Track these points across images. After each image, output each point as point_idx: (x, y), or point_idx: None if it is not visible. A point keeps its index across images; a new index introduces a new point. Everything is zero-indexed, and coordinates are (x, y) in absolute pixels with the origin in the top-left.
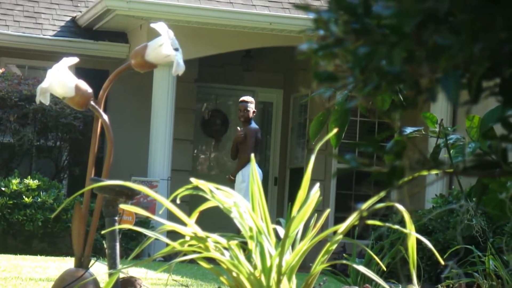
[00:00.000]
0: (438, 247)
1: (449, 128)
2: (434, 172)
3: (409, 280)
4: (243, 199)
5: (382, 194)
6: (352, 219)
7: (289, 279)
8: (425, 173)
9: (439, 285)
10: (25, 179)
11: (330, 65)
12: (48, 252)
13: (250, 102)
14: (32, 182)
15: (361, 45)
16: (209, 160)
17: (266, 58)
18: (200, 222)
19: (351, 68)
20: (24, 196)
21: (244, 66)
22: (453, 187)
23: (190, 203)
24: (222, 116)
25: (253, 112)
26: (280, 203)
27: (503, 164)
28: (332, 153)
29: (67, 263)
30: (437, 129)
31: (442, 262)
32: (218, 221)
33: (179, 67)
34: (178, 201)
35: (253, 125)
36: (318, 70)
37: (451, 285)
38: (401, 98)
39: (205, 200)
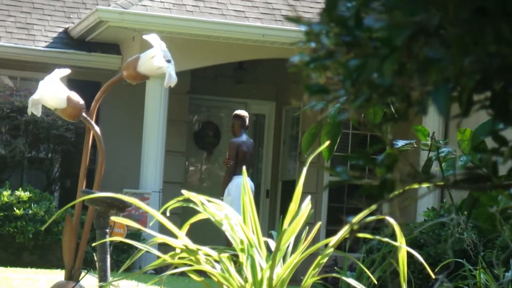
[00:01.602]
0: (429, 260)
1: (440, 141)
2: (425, 185)
3: None
4: (234, 211)
5: (373, 207)
6: (343, 232)
7: None
8: (416, 186)
9: None
10: (16, 191)
11: (321, 77)
12: (38, 265)
13: (235, 117)
14: (23, 194)
15: (352, 58)
16: (201, 172)
17: (259, 70)
18: (191, 234)
19: (342, 81)
20: (15, 208)
21: (236, 78)
22: (444, 200)
23: (182, 215)
24: (214, 128)
25: (242, 125)
26: (272, 215)
27: (493, 177)
28: (323, 166)
29: (58, 275)
30: (428, 142)
31: (433, 276)
32: (210, 233)
33: (171, 79)
34: (168, 214)
35: (236, 139)
36: (309, 83)
37: None
38: (393, 110)
39: (196, 212)
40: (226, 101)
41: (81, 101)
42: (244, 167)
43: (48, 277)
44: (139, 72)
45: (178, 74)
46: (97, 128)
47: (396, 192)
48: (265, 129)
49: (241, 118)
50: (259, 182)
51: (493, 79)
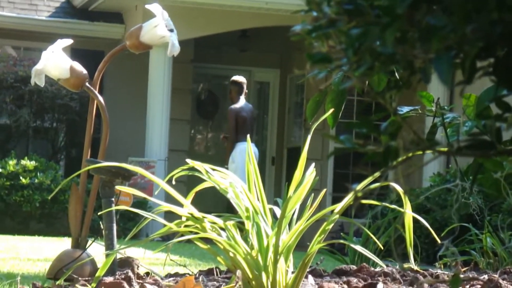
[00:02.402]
0: (435, 225)
1: (445, 107)
2: (429, 152)
3: (407, 259)
4: (239, 179)
5: (377, 174)
6: (348, 198)
7: (286, 259)
8: (419, 153)
9: (436, 264)
10: (22, 160)
11: (323, 46)
12: (45, 233)
13: (232, 83)
14: (29, 163)
15: (354, 26)
16: (206, 140)
17: (263, 38)
18: (197, 202)
19: (345, 49)
20: (21, 177)
21: (240, 46)
22: (450, 165)
23: (187, 183)
24: (213, 97)
25: (239, 92)
26: (278, 182)
27: (497, 143)
28: (327, 133)
29: (65, 243)
30: (433, 108)
31: (439, 241)
32: (216, 201)
33: (174, 48)
34: (173, 182)
35: (234, 105)
36: (312, 52)
37: (448, 263)
38: (397, 78)
39: (202, 180)
40: (230, 69)
41: (84, 71)
42: (248, 135)
43: (55, 245)
44: (142, 41)
45: (181, 42)
46: (100, 98)
47: (400, 159)
48: (269, 97)
49: (238, 84)
50: (264, 150)
51: (496, 46)
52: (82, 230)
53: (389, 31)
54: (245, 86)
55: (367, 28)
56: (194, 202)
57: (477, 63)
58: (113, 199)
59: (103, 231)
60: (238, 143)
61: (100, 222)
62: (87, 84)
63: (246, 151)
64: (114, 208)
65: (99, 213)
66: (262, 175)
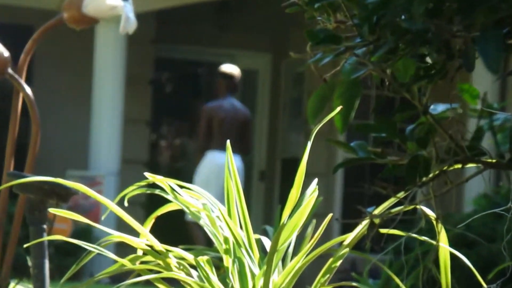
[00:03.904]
0: (480, 263)
1: (495, 105)
2: (472, 165)
3: None
4: (216, 200)
5: (401, 194)
6: (362, 226)
7: None
8: (458, 166)
9: None
10: None
11: (330, 21)
12: None
13: (219, 75)
14: None
15: None
16: (172, 148)
17: (249, 11)
18: (159, 231)
19: (358, 25)
20: None
21: (218, 22)
22: (500, 183)
23: (147, 205)
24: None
25: (227, 87)
26: (268, 204)
27: None
28: (333, 139)
29: None
30: (478, 107)
31: (485, 285)
32: (182, 230)
33: (129, 23)
34: (126, 203)
35: (211, 103)
36: (314, 29)
37: None
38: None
39: (165, 201)
40: (205, 52)
41: (6, 53)
42: (228, 141)
43: None
44: (84, 13)
45: (139, 16)
46: (28, 89)
47: (432, 174)
48: (258, 89)
49: (225, 76)
50: (250, 161)
51: None
52: (3, 268)
53: (419, 0)
54: (236, 80)
55: None
56: (155, 231)
57: None
58: (45, 226)
59: (31, 270)
60: (209, 152)
61: (27, 258)
62: (9, 70)
63: (216, 160)
64: (46, 238)
65: (25, 245)
66: (247, 195)
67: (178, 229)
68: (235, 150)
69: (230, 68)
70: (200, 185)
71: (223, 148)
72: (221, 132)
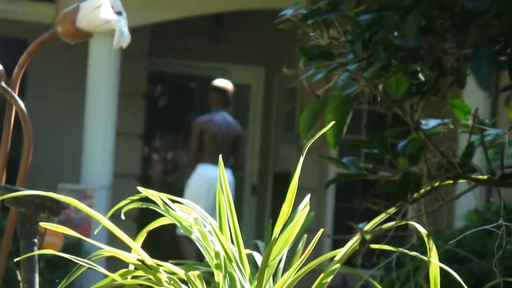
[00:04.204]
0: (472, 280)
1: (486, 121)
2: (463, 181)
3: None
4: (207, 215)
5: (391, 210)
6: (353, 242)
7: None
8: (449, 182)
9: None
10: None
11: (323, 37)
12: None
13: (211, 89)
14: None
15: (363, 11)
16: (165, 161)
17: (242, 25)
18: (151, 246)
19: (351, 42)
20: None
21: (212, 35)
22: (491, 199)
23: (139, 219)
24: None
25: (220, 101)
26: (260, 219)
27: None
28: (325, 155)
29: None
30: (470, 122)
31: None
32: (174, 244)
33: (123, 37)
34: (122, 217)
35: (202, 116)
36: (307, 45)
37: None
38: (420, 81)
39: (157, 216)
40: (198, 66)
41: None
42: (220, 156)
43: None
44: (79, 27)
45: (133, 30)
46: (21, 103)
47: (423, 190)
48: (250, 104)
49: (218, 90)
50: (242, 175)
51: None
52: None
53: (412, 17)
54: (229, 94)
55: (382, 13)
56: (146, 244)
57: None
58: (35, 240)
59: (21, 284)
60: (199, 165)
61: (17, 272)
62: (2, 83)
63: (205, 175)
64: (37, 252)
65: (16, 259)
66: (239, 209)
67: (169, 243)
68: (226, 165)
69: (222, 82)
70: (191, 199)
71: (214, 161)
72: (212, 145)
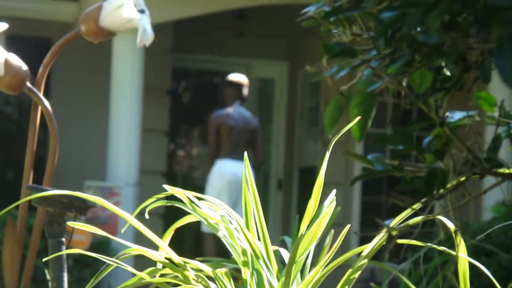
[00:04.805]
0: (500, 273)
1: None
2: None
3: None
4: (234, 212)
5: (417, 206)
6: (380, 238)
7: None
8: (476, 176)
9: None
10: None
11: (345, 34)
12: None
13: (226, 84)
14: None
15: (386, 8)
16: (190, 158)
17: (266, 19)
18: (178, 243)
19: (374, 38)
20: None
21: (235, 31)
22: None
23: (165, 216)
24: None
25: (235, 95)
26: (286, 214)
27: None
28: (351, 152)
29: None
30: (496, 114)
31: None
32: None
33: (146, 35)
34: (147, 216)
35: (218, 111)
36: (330, 42)
37: None
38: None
39: (184, 213)
40: (221, 62)
41: (24, 67)
42: (239, 150)
43: None
44: (102, 26)
45: (156, 27)
46: (46, 103)
47: (450, 186)
48: (274, 98)
49: (232, 84)
50: (268, 170)
51: None
52: (21, 281)
53: (435, 14)
54: (245, 89)
55: (405, 10)
56: (174, 243)
57: None
58: (63, 239)
59: (50, 284)
60: (218, 161)
61: (46, 271)
62: (28, 84)
63: (224, 170)
64: (65, 252)
65: (44, 259)
66: (265, 204)
67: (191, 240)
68: (230, 157)
69: (237, 77)
70: (213, 195)
71: (232, 156)
72: (230, 140)
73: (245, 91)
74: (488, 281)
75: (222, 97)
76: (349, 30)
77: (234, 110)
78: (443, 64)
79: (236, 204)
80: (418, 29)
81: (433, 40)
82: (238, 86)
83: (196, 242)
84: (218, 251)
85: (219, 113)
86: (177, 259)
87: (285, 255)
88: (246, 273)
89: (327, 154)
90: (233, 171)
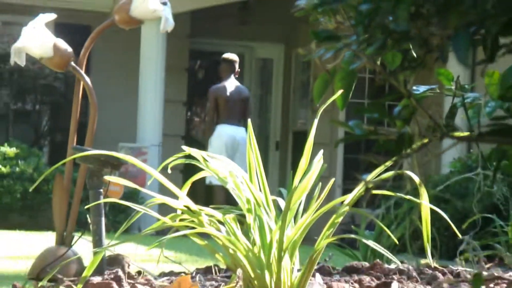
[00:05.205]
0: (456, 216)
1: (466, 86)
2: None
3: (424, 254)
4: (239, 168)
5: (389, 163)
6: (359, 189)
7: (291, 256)
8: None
9: (457, 259)
10: (1, 147)
11: (331, 22)
12: (27, 227)
13: (222, 61)
14: (10, 150)
15: (364, 1)
16: (204, 123)
17: (266, 9)
18: (196, 192)
19: (354, 26)
20: (0, 166)
21: (241, 18)
22: (471, 150)
23: (184, 171)
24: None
25: (229, 70)
26: (283, 169)
27: None
28: (335, 120)
29: (48, 239)
30: (453, 87)
31: (459, 235)
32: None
33: (168, 23)
34: (169, 171)
35: (216, 85)
36: (318, 29)
37: (470, 259)
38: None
39: (199, 169)
40: (229, 44)
41: (69, 49)
42: (249, 120)
43: (37, 241)
44: (132, 16)
45: (177, 16)
46: (87, 79)
47: (415, 147)
48: (273, 75)
49: (227, 61)
50: (268, 133)
51: None
52: (68, 225)
53: (403, 6)
54: (236, 65)
55: (379, 2)
56: (192, 193)
57: (500, 40)
58: (101, 190)
59: (91, 226)
60: (218, 126)
61: (88, 216)
62: (72, 63)
63: (224, 133)
64: (102, 201)
65: (86, 206)
66: (265, 162)
67: (202, 191)
68: (240, 123)
69: (231, 55)
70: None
71: (229, 121)
72: (226, 108)
73: (236, 66)
74: (446, 224)
75: (219, 72)
76: (334, 19)
77: (229, 83)
78: (410, 47)
79: (232, 159)
80: (390, 18)
81: (402, 28)
82: (231, 62)
83: (206, 193)
84: (227, 200)
85: (216, 86)
86: (194, 207)
87: (282, 203)
88: (249, 218)
89: (316, 121)
90: (229, 133)
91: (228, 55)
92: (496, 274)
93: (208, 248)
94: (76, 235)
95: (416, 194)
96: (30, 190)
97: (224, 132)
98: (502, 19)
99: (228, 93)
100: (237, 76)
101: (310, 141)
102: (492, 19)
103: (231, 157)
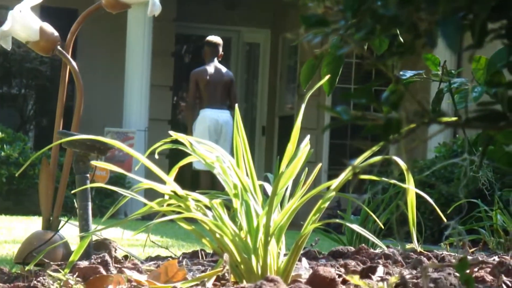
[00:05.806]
0: (441, 200)
1: (452, 71)
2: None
3: (409, 239)
4: (226, 153)
5: (375, 148)
6: (346, 174)
7: (278, 240)
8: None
9: (442, 244)
10: None
11: (319, 7)
12: (13, 211)
13: (206, 44)
14: None
15: None
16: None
17: None
18: (182, 176)
19: (343, 11)
20: None
21: (228, 2)
22: (457, 135)
23: (170, 156)
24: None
25: (211, 53)
26: (269, 154)
27: (509, 114)
28: (322, 105)
29: (35, 223)
30: (439, 73)
31: (445, 219)
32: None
33: (155, 7)
34: (156, 156)
35: (197, 68)
36: (306, 14)
37: (455, 243)
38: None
39: (186, 154)
40: (216, 29)
41: (55, 33)
42: (236, 105)
43: (24, 225)
44: (119, 0)
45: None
46: (74, 63)
47: (403, 132)
48: (260, 59)
49: (210, 44)
50: (254, 118)
51: (509, 6)
52: (54, 209)
53: None
54: (220, 48)
55: None
56: (179, 178)
57: (488, 25)
58: (88, 175)
59: (77, 210)
60: (201, 110)
61: (74, 200)
62: (58, 47)
63: (206, 117)
64: (89, 185)
65: (72, 191)
66: (252, 147)
67: (189, 176)
68: (223, 106)
69: (214, 38)
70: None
71: (210, 105)
72: (207, 92)
73: (220, 50)
74: (431, 208)
75: (202, 55)
76: (323, 4)
77: (210, 66)
78: (398, 32)
79: (217, 143)
80: (379, 3)
81: (391, 13)
82: (215, 45)
83: (193, 178)
84: (212, 184)
85: (197, 69)
86: (180, 191)
87: (268, 188)
88: (236, 203)
89: (303, 106)
90: (212, 117)
91: (211, 38)
92: (480, 259)
93: (194, 233)
94: (63, 219)
95: (402, 179)
96: (16, 175)
97: (207, 116)
98: (490, 3)
99: (208, 76)
100: (220, 59)
101: (297, 126)
102: (481, 3)
103: (215, 141)
